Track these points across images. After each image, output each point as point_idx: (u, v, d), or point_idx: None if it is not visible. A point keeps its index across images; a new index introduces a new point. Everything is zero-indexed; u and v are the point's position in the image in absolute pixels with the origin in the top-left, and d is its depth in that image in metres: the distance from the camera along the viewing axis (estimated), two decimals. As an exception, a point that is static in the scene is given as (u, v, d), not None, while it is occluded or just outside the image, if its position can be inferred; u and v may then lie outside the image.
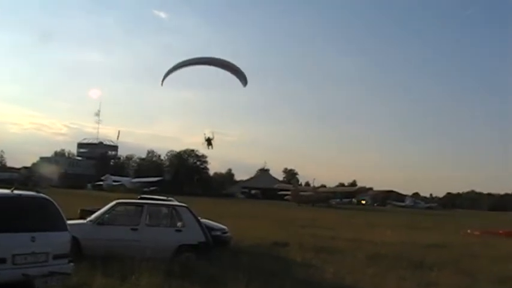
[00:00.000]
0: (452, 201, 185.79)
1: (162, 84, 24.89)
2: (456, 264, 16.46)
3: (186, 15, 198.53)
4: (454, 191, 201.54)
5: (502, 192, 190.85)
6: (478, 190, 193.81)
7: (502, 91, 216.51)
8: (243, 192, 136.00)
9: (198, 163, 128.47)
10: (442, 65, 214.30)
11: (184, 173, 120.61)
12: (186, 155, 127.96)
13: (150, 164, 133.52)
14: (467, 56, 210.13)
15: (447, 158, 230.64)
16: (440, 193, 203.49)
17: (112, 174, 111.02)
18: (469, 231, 34.22)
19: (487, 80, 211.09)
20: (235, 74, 25.37)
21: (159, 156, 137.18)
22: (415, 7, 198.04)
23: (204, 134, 29.63)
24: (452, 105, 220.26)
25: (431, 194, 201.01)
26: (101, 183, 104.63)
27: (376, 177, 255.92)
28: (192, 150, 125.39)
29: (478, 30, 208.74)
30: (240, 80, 25.89)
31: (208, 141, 30.30)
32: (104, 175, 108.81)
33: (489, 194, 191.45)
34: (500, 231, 34.59)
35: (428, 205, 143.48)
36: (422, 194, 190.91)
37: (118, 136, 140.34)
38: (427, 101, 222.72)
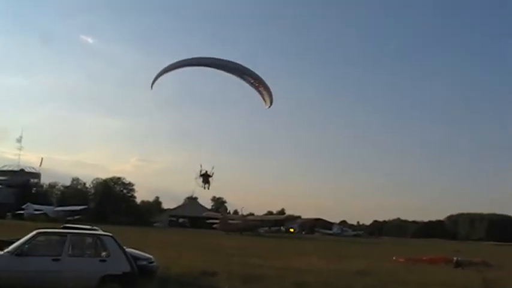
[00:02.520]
0: (378, 229, 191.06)
1: (152, 87, 25.10)
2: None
3: (113, 41, 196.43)
4: (381, 219, 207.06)
5: (426, 220, 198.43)
6: (403, 218, 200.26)
7: (423, 119, 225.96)
8: (170, 221, 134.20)
9: (124, 191, 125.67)
10: (370, 98, 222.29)
11: (110, 201, 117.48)
12: (113, 183, 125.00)
13: (74, 192, 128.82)
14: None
15: (374, 186, 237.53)
16: (367, 221, 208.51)
17: (34, 203, 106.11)
18: (394, 258, 35.21)
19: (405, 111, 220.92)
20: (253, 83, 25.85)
21: (84, 183, 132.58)
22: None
23: (200, 166, 27.78)
24: (376, 134, 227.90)
25: (358, 222, 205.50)
26: (22, 212, 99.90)
27: (304, 205, 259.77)
28: (119, 178, 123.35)
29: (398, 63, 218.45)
30: (263, 96, 26.14)
31: (205, 178, 28.01)
32: (25, 203, 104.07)
33: (414, 222, 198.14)
34: (424, 258, 35.87)
35: (355, 233, 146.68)
36: (349, 221, 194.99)
37: (41, 163, 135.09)
38: (353, 129, 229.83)
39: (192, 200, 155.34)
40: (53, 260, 12.92)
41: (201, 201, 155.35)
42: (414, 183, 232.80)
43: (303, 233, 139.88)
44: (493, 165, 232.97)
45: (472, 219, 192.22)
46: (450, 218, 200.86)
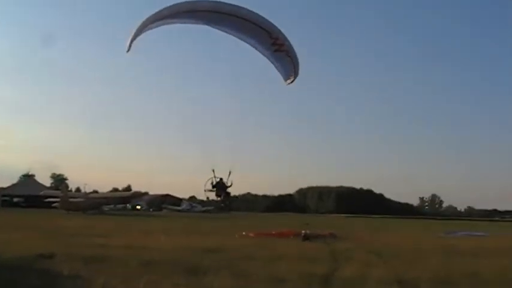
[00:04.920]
0: (229, 204, 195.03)
1: (128, 50, 18.27)
2: (231, 267, 17.36)
3: None
4: (231, 194, 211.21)
5: (276, 194, 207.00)
6: (253, 192, 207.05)
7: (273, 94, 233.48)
8: (3, 201, 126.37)
9: None
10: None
11: None
12: None
13: None
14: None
15: (224, 160, 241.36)
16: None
17: None
18: (244, 233, 36.38)
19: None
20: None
21: None
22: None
23: (213, 172, 23.14)
24: (217, 107, 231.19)
25: (208, 197, 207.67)
26: None
27: (151, 181, 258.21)
28: None
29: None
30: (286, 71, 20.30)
31: (221, 189, 23.65)
32: None
33: (264, 196, 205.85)
34: (274, 232, 37.53)
35: (205, 208, 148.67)
36: (199, 197, 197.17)
37: None
38: (201, 105, 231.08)
39: (28, 178, 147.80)
40: None
41: (38, 178, 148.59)
42: (264, 158, 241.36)
43: (151, 210, 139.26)
44: (339, 138, 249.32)
45: (320, 192, 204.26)
46: (300, 191, 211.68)
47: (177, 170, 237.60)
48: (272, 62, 20.59)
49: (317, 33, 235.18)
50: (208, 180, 23.26)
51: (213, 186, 23.22)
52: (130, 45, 18.00)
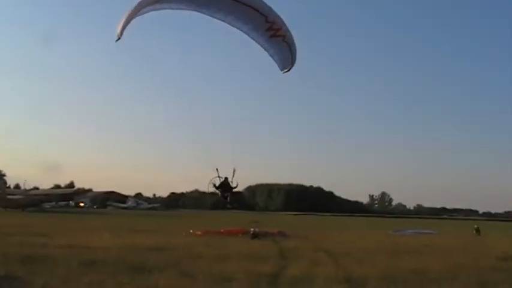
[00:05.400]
0: (176, 201, 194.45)
1: (120, 37, 16.84)
2: (177, 266, 17.20)
3: None
4: (178, 191, 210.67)
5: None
6: (202, 189, 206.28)
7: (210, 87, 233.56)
8: None
9: None
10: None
11: None
12: None
13: None
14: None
15: (169, 157, 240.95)
16: (164, 193, 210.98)
17: None
18: (191, 231, 36.17)
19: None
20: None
21: None
22: None
23: (217, 172, 21.39)
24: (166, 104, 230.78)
25: (154, 194, 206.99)
26: None
27: (95, 177, 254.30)
28: None
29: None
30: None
31: (226, 188, 21.80)
32: None
33: (212, 193, 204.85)
34: (222, 230, 37.45)
35: (151, 206, 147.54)
36: (145, 194, 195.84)
37: None
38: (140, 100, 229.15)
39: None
40: None
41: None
42: (212, 154, 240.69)
43: (95, 207, 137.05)
44: (289, 136, 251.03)
45: (270, 189, 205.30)
46: (249, 189, 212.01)
47: (121, 166, 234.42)
48: (266, 50, 19.53)
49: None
50: (211, 179, 22.08)
51: (218, 187, 21.80)
52: (122, 32, 16.79)
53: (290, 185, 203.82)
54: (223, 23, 18.44)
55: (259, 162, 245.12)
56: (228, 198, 21.95)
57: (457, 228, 64.73)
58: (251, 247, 25.84)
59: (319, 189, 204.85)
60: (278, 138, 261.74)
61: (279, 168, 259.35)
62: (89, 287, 12.96)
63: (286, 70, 20.01)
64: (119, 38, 17.01)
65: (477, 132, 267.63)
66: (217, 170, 21.33)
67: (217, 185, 21.76)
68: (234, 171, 21.32)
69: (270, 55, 19.53)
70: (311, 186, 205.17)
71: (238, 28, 18.64)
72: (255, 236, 32.69)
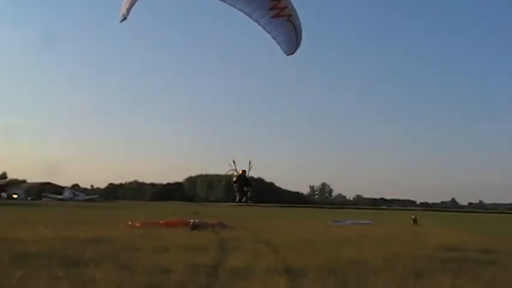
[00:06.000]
0: (114, 192, 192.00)
1: (126, 17, 16.29)
2: (115, 258, 16.97)
3: None
4: (117, 181, 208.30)
5: (165, 182, 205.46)
6: (141, 180, 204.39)
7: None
8: None
9: None
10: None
11: None
12: None
13: None
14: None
15: (105, 146, 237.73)
16: (102, 184, 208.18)
17: None
18: (130, 223, 35.74)
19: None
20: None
21: None
22: None
23: (234, 164, 21.25)
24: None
25: (92, 185, 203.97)
26: None
27: (30, 168, 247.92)
28: None
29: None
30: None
31: (244, 182, 21.64)
32: None
33: (152, 184, 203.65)
34: (161, 222, 37.18)
35: (89, 197, 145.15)
36: (82, 185, 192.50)
37: None
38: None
39: None
40: None
41: None
42: (150, 144, 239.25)
43: (29, 199, 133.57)
44: (229, 125, 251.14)
45: (210, 180, 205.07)
46: (189, 179, 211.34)
47: (58, 156, 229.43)
48: (269, 32, 18.46)
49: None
50: (227, 172, 21.30)
51: (235, 181, 21.38)
52: (128, 12, 16.26)
53: (231, 175, 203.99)
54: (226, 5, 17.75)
55: (199, 153, 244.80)
56: (249, 194, 21.72)
57: (395, 218, 66.39)
58: (191, 238, 25.75)
59: (259, 180, 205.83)
60: (218, 129, 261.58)
61: (220, 159, 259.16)
62: (22, 281, 12.59)
63: (291, 53, 19.08)
64: (124, 18, 16.50)
65: (413, 126, 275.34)
66: (233, 162, 20.99)
67: (234, 179, 21.32)
68: (249, 164, 21.14)
69: (273, 37, 18.56)
70: (251, 177, 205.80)
71: (240, 9, 17.87)
72: (194, 227, 32.61)
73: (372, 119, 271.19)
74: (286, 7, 17.50)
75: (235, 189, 22.00)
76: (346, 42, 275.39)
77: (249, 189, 21.90)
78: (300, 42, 18.87)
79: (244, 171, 21.65)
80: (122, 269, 14.80)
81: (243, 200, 22.07)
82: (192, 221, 34.24)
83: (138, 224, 35.12)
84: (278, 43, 18.69)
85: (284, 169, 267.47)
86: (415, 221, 50.20)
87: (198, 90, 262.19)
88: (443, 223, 55.38)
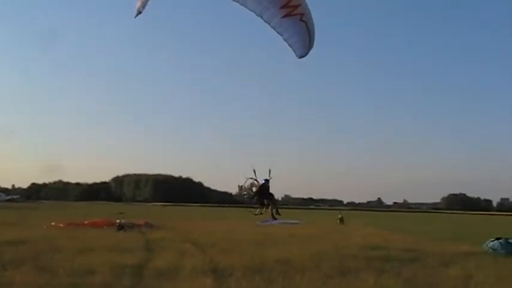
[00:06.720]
0: (37, 192, 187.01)
1: (141, 11, 15.82)
2: (36, 260, 16.53)
3: None
4: (40, 181, 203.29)
5: (90, 182, 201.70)
6: (65, 180, 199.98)
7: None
8: None
9: None
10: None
11: None
12: None
13: None
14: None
15: (29, 145, 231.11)
16: (24, 183, 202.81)
17: None
18: (53, 223, 34.89)
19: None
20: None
21: None
22: None
23: (254, 173, 19.93)
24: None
25: (13, 185, 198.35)
26: None
27: None
28: None
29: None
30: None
31: (264, 193, 19.22)
32: None
33: (77, 184, 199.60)
34: (86, 222, 36.49)
35: (10, 197, 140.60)
36: (3, 185, 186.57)
37: None
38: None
39: None
40: None
41: None
42: (75, 143, 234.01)
43: None
44: (159, 125, 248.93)
45: (137, 180, 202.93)
46: (116, 179, 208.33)
47: None
48: (280, 34, 17.92)
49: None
50: (246, 181, 20.04)
51: (255, 193, 19.65)
52: (144, 6, 15.82)
53: (158, 175, 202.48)
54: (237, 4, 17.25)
55: (126, 152, 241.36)
56: (275, 211, 19.72)
57: (322, 218, 67.58)
58: (116, 239, 25.39)
59: (188, 180, 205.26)
60: (146, 128, 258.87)
61: (147, 158, 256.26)
62: None
63: (303, 55, 18.48)
64: (139, 12, 16.06)
65: (342, 126, 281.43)
66: (254, 171, 19.87)
67: (254, 189, 20.15)
68: (270, 172, 19.61)
69: (285, 39, 18.11)
70: (180, 177, 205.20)
71: (252, 10, 17.43)
72: (120, 227, 32.19)
73: (300, 119, 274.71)
74: (299, 5, 17.08)
75: (254, 200, 20.85)
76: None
77: (269, 202, 20.24)
78: (313, 44, 18.52)
79: (267, 181, 19.86)
80: (43, 271, 14.44)
81: (275, 216, 20.45)
82: (118, 221, 33.82)
83: (61, 225, 34.32)
84: (290, 45, 18.30)
85: (213, 169, 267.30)
86: (341, 220, 51.32)
87: (119, 85, 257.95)
88: (368, 222, 56.85)
